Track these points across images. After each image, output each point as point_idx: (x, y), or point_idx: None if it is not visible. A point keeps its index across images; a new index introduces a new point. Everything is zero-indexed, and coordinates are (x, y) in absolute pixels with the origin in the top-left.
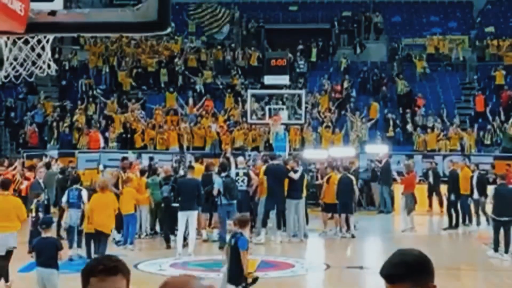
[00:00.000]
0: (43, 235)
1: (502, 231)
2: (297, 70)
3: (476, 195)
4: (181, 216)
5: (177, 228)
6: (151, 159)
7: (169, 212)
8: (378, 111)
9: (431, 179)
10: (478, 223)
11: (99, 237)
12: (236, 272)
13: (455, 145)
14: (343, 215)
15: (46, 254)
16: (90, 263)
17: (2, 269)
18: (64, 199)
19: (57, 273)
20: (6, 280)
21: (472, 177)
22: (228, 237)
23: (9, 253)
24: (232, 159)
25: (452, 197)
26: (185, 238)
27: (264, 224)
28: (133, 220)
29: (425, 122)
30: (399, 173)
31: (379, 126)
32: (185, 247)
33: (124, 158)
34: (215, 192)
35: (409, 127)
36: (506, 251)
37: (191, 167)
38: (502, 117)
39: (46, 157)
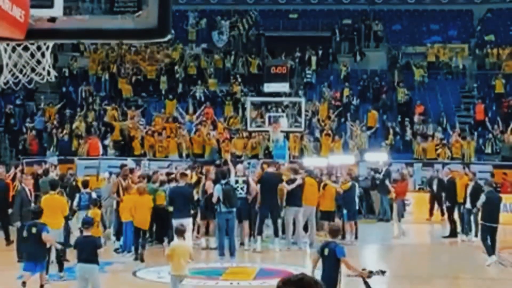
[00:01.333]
0: (85, 233)
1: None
2: (305, 79)
3: (468, 204)
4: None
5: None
6: (168, 166)
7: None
8: (377, 119)
9: (435, 187)
10: (476, 234)
11: (138, 232)
12: (331, 280)
13: (456, 153)
14: (351, 223)
15: (87, 251)
16: None
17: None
18: (75, 202)
19: (97, 268)
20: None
21: (467, 186)
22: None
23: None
24: (232, 167)
25: (448, 204)
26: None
27: (260, 232)
28: (132, 228)
29: (425, 130)
30: (395, 181)
31: (379, 134)
32: None
33: (123, 166)
34: (214, 200)
35: (409, 134)
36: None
37: (183, 175)
38: (501, 126)
39: (45, 163)
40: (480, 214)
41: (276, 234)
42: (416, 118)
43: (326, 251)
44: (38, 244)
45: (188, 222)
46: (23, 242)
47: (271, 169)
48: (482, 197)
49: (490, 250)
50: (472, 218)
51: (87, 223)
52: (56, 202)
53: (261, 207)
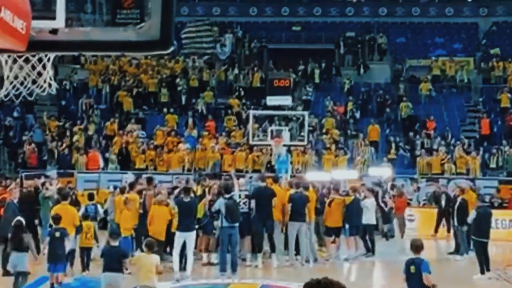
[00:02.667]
0: (111, 243)
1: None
2: (304, 97)
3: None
4: (179, 237)
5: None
6: (187, 181)
7: None
8: (379, 133)
9: (443, 203)
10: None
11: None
12: None
13: (460, 168)
14: (351, 238)
15: (113, 261)
16: None
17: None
18: (80, 212)
19: (122, 276)
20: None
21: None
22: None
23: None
24: (235, 181)
25: (456, 224)
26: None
27: (260, 249)
28: (126, 244)
29: (430, 144)
30: (393, 196)
31: (382, 149)
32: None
33: (150, 179)
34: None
35: (418, 151)
36: (488, 269)
37: (187, 189)
38: (504, 141)
39: (46, 177)
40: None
41: (272, 249)
42: (425, 133)
43: (413, 269)
44: (61, 247)
45: (191, 235)
46: (49, 245)
47: (262, 183)
48: (473, 213)
49: (487, 264)
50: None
51: (114, 234)
52: (67, 212)
53: (256, 222)
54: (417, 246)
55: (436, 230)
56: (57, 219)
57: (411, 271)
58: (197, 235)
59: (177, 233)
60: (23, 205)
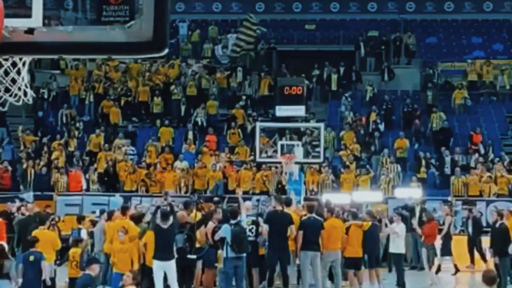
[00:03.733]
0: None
1: None
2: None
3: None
4: (157, 266)
5: None
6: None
7: (184, 265)
8: (407, 149)
9: (470, 230)
10: None
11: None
12: None
13: (501, 189)
14: (373, 270)
15: None
16: None
17: None
18: (71, 238)
19: None
20: None
21: None
22: None
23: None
24: (242, 204)
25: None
26: None
27: (271, 283)
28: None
29: (466, 161)
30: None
31: (410, 166)
32: None
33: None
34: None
35: (447, 168)
36: None
37: (165, 215)
38: None
39: (21, 200)
40: None
41: (285, 284)
42: (471, 148)
43: None
44: (35, 272)
45: (170, 265)
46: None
47: (279, 207)
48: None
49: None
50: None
51: (92, 260)
52: (47, 236)
53: (269, 252)
54: (490, 278)
55: (472, 261)
56: (32, 242)
57: None
58: (196, 267)
59: (155, 262)
60: None
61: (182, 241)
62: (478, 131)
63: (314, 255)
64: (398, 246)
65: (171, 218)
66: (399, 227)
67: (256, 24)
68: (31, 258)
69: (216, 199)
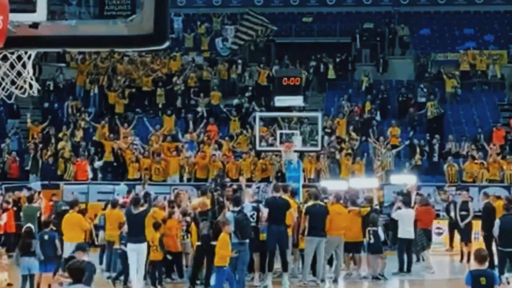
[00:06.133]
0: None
1: None
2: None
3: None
4: (131, 249)
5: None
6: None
7: (208, 252)
8: (399, 136)
9: (452, 214)
10: None
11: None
12: None
13: (493, 175)
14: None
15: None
16: None
17: None
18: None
19: None
20: None
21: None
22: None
23: None
24: (245, 191)
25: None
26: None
27: (271, 267)
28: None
29: (458, 149)
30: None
31: (404, 154)
32: None
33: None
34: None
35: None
36: None
37: (136, 201)
38: None
39: (29, 190)
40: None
41: (284, 268)
42: (492, 147)
43: (483, 280)
44: (52, 249)
45: (142, 248)
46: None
47: (278, 194)
48: (497, 222)
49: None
50: None
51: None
52: (75, 219)
53: (268, 237)
54: (482, 256)
55: (450, 244)
56: (47, 223)
57: (482, 283)
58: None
59: (128, 245)
60: None
61: (207, 228)
62: (500, 127)
63: (320, 240)
64: (405, 231)
65: (144, 204)
66: (406, 212)
67: (260, 19)
68: (46, 237)
69: (234, 186)
